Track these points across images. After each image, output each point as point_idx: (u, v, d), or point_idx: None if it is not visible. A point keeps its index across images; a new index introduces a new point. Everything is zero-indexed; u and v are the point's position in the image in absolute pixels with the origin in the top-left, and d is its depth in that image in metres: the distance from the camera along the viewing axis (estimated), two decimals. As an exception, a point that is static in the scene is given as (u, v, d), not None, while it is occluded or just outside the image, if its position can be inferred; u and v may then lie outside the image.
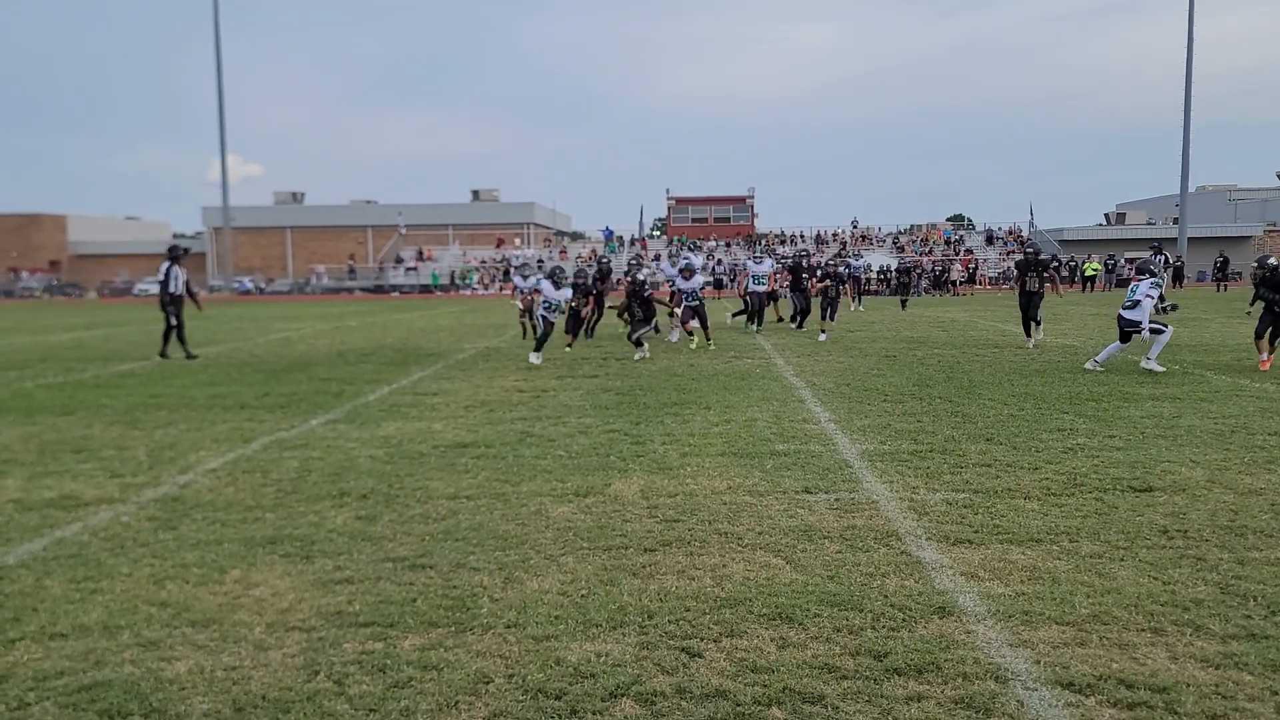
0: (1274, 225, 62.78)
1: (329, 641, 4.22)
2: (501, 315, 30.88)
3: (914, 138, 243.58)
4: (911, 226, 66.80)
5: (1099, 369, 13.14)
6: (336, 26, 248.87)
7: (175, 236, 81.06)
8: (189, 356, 16.65)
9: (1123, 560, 5.10)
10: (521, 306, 19.59)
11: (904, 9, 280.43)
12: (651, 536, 5.65)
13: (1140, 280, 13.06)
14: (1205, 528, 5.63)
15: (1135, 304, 12.86)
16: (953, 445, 8.11)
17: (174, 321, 16.70)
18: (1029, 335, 16.61)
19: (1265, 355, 13.27)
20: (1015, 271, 16.74)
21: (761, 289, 20.86)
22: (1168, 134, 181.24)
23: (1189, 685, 3.66)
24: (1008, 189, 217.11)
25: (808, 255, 23.24)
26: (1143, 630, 4.20)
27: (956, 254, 59.19)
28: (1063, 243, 60.39)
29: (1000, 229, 63.98)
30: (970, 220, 70.06)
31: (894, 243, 62.73)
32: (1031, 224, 63.42)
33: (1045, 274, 16.40)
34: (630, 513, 6.16)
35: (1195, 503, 6.17)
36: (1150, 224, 64.51)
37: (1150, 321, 12.83)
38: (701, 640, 4.18)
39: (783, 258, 22.16)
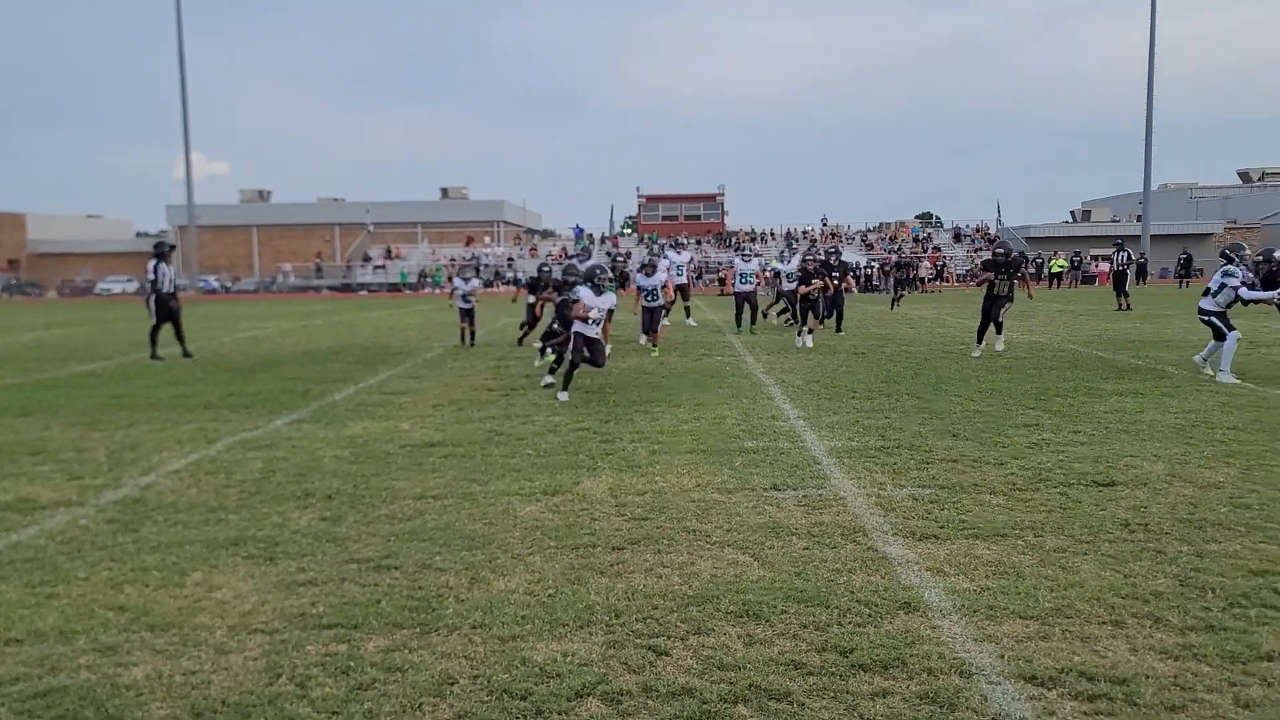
0: (1234, 222, 63.74)
1: (291, 644, 4.18)
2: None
3: (883, 136, 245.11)
4: (880, 224, 67.25)
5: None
6: (305, 24, 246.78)
7: (139, 235, 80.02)
8: (185, 355, 16.48)
9: (1086, 554, 5.15)
10: (534, 308, 16.92)
11: (874, 8, 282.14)
12: (620, 535, 5.64)
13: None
14: (1166, 521, 5.69)
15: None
16: (920, 441, 8.16)
17: (158, 320, 16.36)
18: (980, 342, 15.14)
19: None
20: (982, 271, 15.33)
21: (749, 287, 20.55)
22: (1131, 133, 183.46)
23: (1148, 677, 3.70)
24: (975, 187, 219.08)
25: (837, 252, 21.63)
26: (1104, 623, 4.24)
27: (925, 251, 59.62)
28: (1029, 240, 61.00)
29: (968, 227, 64.53)
30: (938, 218, 70.59)
31: (863, 240, 63.08)
32: (999, 221, 64.01)
33: (1018, 276, 15.01)
34: (599, 511, 6.14)
35: (1156, 496, 6.24)
36: (1115, 221, 65.29)
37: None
38: (669, 638, 4.17)
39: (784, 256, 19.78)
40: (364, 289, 61.17)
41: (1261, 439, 7.96)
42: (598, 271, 11.43)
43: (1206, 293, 12.03)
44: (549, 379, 11.75)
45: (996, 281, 14.72)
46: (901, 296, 30.84)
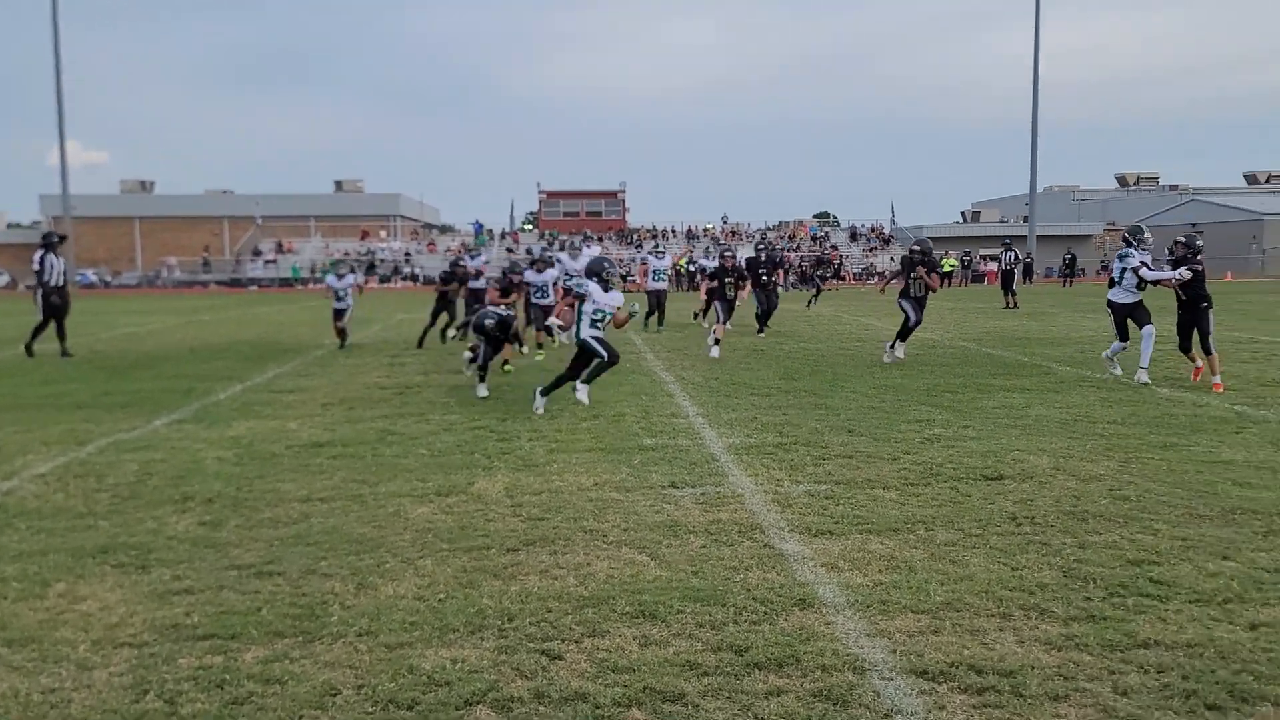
0: (1113, 224, 66.60)
1: (162, 657, 3.94)
2: (366, 309, 30.03)
3: (782, 136, 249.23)
4: (780, 223, 68.23)
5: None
6: (189, 8, 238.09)
7: (10, 227, 75.91)
8: (64, 354, 15.43)
9: (975, 548, 5.24)
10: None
11: (776, 9, 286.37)
12: (515, 536, 5.52)
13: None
14: (1051, 513, 5.84)
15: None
16: (816, 438, 8.23)
17: (45, 316, 15.39)
18: (898, 341, 14.02)
19: (1199, 363, 11.22)
20: (899, 268, 14.19)
21: (662, 285, 20.32)
22: (1019, 136, 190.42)
23: (1034, 668, 3.76)
24: (871, 187, 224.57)
25: (770, 248, 20.85)
26: (992, 615, 4.31)
27: (823, 250, 60.74)
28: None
29: (864, 226, 65.98)
30: (835, 217, 71.93)
31: (763, 238, 63.89)
32: (893, 221, 65.66)
33: (930, 274, 13.81)
34: (494, 512, 6.00)
35: (1042, 490, 6.41)
36: (1003, 222, 67.56)
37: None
38: (562, 642, 4.08)
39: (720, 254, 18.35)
40: (254, 284, 59.28)
41: (1139, 432, 8.27)
42: (605, 265, 10.06)
43: (1112, 284, 11.57)
44: (483, 390, 10.67)
45: (911, 281, 13.69)
46: (818, 294, 30.39)
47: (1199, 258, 11.13)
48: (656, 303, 19.94)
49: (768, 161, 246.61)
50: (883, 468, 7.10)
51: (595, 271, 10.02)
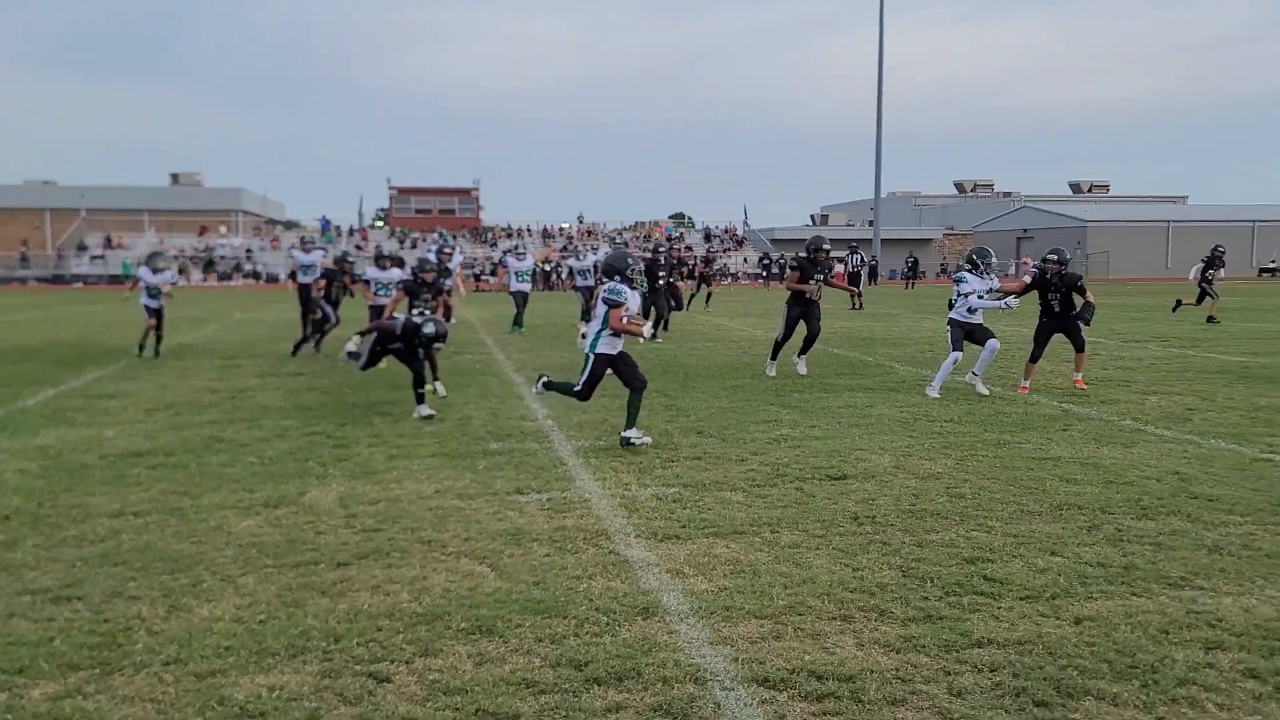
0: (951, 229, 69.89)
1: (-70, 701, 3.51)
2: (203, 308, 28.57)
3: (638, 136, 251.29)
4: (636, 223, 68.64)
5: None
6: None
7: None
8: None
9: (818, 549, 5.25)
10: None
11: (634, 10, 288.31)
12: (347, 549, 5.22)
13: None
14: (891, 512, 5.93)
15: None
16: (665, 439, 8.18)
17: None
18: (796, 358, 12.59)
19: (1026, 384, 10.93)
20: (793, 272, 12.48)
21: (525, 287, 19.77)
22: (865, 142, 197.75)
23: (872, 672, 3.75)
24: (724, 189, 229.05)
25: (665, 248, 19.54)
26: (834, 618, 4.30)
27: (681, 251, 61.49)
28: (774, 241, 64.15)
29: (717, 227, 67.10)
30: (690, 218, 72.92)
31: (619, 238, 64.14)
32: (745, 223, 67.01)
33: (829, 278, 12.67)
34: (325, 524, 5.68)
35: (883, 489, 6.52)
36: (850, 225, 69.88)
37: None
38: (392, 663, 3.84)
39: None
40: (79, 281, 55.66)
41: (974, 430, 8.55)
42: (630, 262, 8.31)
43: (951, 304, 10.97)
44: (425, 410, 9.15)
45: (810, 286, 12.29)
46: (710, 295, 28.79)
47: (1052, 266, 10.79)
48: (518, 305, 19.46)
49: (624, 162, 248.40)
50: (731, 469, 7.09)
51: (619, 270, 8.11)
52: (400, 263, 14.88)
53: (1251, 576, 4.78)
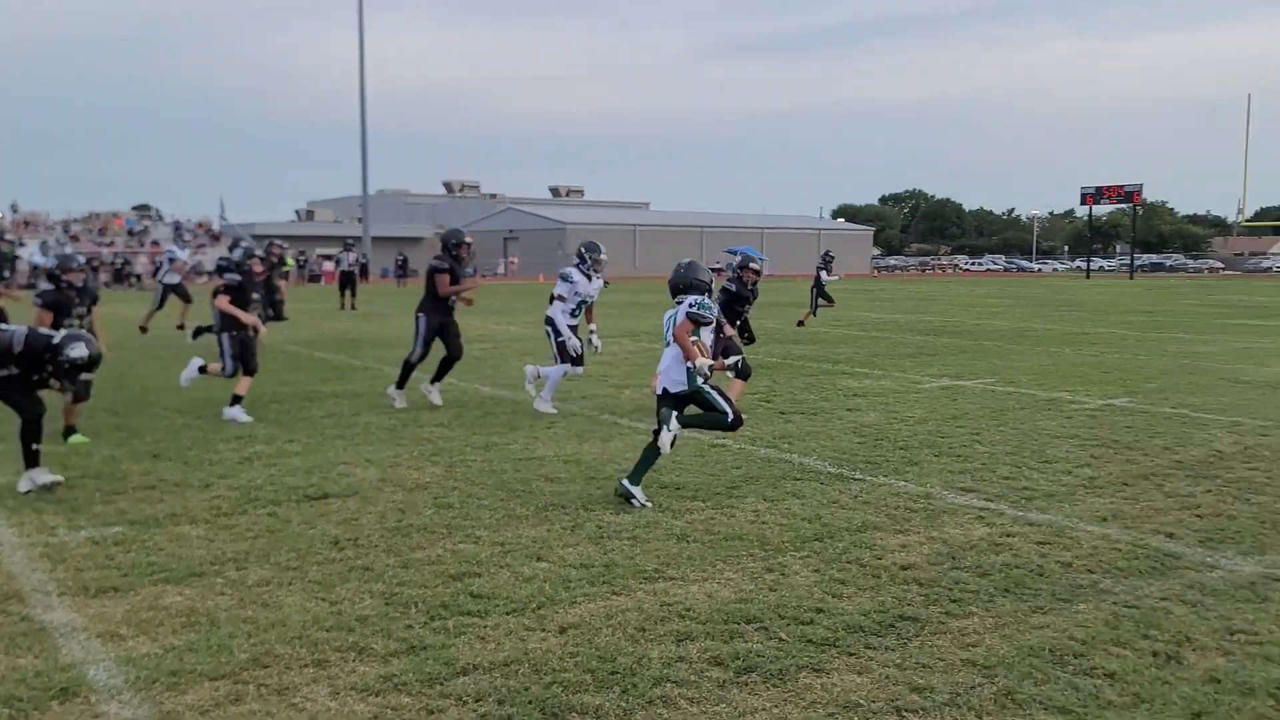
0: (441, 227, 71.11)
1: None
2: None
3: (93, 115, 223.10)
4: (90, 214, 60.62)
5: None
6: None
7: None
8: None
9: (291, 584, 4.68)
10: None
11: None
12: None
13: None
14: (375, 532, 5.52)
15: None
16: (111, 467, 6.99)
17: None
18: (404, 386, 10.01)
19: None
20: (442, 275, 9.70)
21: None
22: (351, 138, 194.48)
23: (349, 728, 3.32)
24: (199, 180, 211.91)
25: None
26: (306, 665, 3.79)
27: (142, 245, 55.37)
28: (255, 236, 60.34)
29: (190, 221, 61.66)
30: (159, 211, 66.07)
31: (65, 231, 56.12)
32: (223, 217, 62.30)
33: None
34: None
35: (367, 506, 6.08)
36: (338, 222, 68.18)
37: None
38: None
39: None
40: None
41: (463, 434, 8.43)
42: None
43: (552, 300, 9.76)
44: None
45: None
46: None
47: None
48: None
49: (73, 145, 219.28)
50: (191, 498, 6.19)
51: (696, 287, 6.48)
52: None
53: (713, 561, 5.10)
